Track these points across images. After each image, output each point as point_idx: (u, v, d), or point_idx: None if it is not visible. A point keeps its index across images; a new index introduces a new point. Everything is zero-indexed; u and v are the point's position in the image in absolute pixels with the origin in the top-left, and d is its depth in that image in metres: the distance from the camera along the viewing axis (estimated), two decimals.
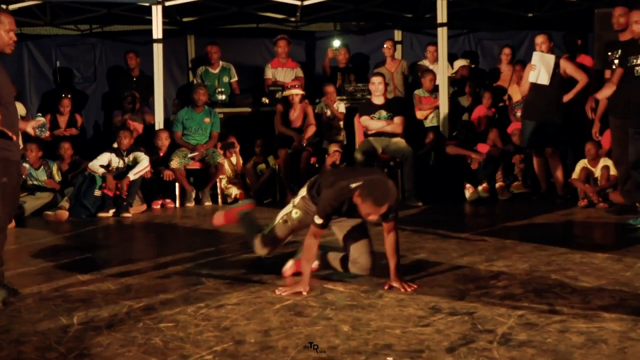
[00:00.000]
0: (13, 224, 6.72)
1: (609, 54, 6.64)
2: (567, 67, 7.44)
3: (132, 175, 7.34)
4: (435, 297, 4.09)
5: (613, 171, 7.07)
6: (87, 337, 3.52)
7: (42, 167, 7.51)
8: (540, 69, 7.35)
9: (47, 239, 6.16)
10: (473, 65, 9.80)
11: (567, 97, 7.47)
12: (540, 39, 7.49)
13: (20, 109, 8.27)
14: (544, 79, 7.33)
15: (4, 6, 8.23)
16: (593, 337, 3.37)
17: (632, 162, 6.03)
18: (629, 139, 5.98)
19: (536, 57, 7.41)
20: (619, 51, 6.43)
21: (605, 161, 7.27)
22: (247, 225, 4.85)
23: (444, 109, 8.43)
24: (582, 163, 7.52)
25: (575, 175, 7.58)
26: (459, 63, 9.59)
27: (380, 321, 3.68)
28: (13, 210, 4.62)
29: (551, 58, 7.38)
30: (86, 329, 3.65)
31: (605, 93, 5.96)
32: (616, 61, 6.45)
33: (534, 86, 7.42)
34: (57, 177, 7.64)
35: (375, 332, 3.51)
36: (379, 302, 4.01)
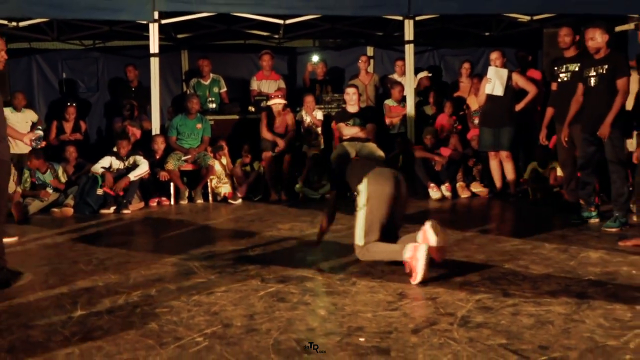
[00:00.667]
0: (16, 217, 6.69)
1: (555, 68, 6.69)
2: (518, 80, 7.51)
3: (132, 176, 7.34)
4: (403, 284, 4.11)
5: (560, 172, 7.15)
6: (90, 322, 3.50)
7: (49, 170, 7.44)
8: (495, 81, 7.41)
9: (54, 233, 6.10)
10: (431, 74, 9.83)
11: (518, 107, 7.53)
12: (495, 55, 7.54)
13: (32, 116, 8.24)
14: (498, 90, 7.39)
15: (12, 23, 8.16)
16: (541, 319, 3.41)
17: (580, 164, 6.08)
18: (579, 143, 6.02)
19: (491, 71, 7.46)
20: (564, 66, 6.49)
21: (552, 163, 7.35)
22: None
23: (410, 117, 8.46)
24: (533, 165, 7.59)
25: (526, 175, 7.65)
26: (420, 75, 9.64)
27: (353, 306, 3.69)
28: (5, 207, 4.58)
29: (505, 72, 7.44)
30: (89, 315, 3.63)
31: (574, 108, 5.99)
32: (562, 75, 6.50)
33: (490, 97, 7.47)
34: (63, 179, 7.57)
35: (349, 315, 3.53)
36: (353, 289, 4.02)
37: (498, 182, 7.71)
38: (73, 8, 7.72)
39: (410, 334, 3.23)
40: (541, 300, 3.72)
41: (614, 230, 5.62)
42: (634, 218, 6.01)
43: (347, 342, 3.13)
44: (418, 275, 4.06)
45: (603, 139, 5.66)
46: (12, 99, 8.01)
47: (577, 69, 6.29)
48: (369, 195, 4.35)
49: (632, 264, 4.50)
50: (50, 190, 7.36)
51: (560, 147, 6.64)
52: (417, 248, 4.07)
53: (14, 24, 8.25)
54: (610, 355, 2.93)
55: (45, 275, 4.54)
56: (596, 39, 5.73)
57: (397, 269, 4.47)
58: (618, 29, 8.88)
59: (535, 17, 8.90)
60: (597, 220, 5.97)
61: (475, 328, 3.29)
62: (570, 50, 6.48)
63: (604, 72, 5.64)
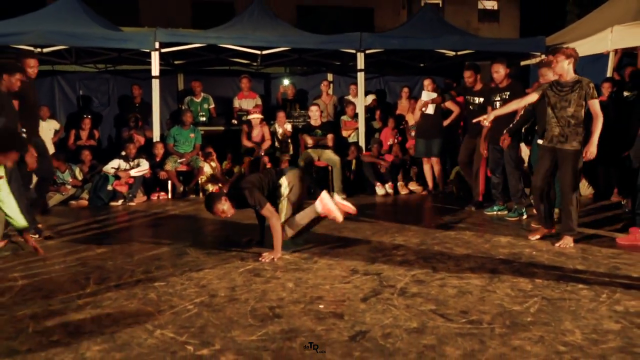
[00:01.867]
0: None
1: (467, 97, 6.67)
2: (446, 102, 7.58)
3: (133, 172, 7.23)
4: (354, 262, 4.12)
5: None
6: (100, 293, 3.43)
7: (67, 170, 7.26)
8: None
9: (71, 222, 5.95)
10: (375, 97, 9.89)
11: (446, 122, 7.61)
12: (427, 82, 7.61)
13: (55, 125, 8.15)
14: (430, 110, 7.45)
15: (38, 49, 7.96)
16: (462, 289, 3.45)
17: (490, 168, 6.18)
18: (487, 152, 6.13)
19: (424, 94, 7.53)
20: (472, 98, 6.43)
21: None
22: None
23: (361, 129, 8.49)
24: (456, 168, 7.68)
25: (451, 177, 7.74)
26: (370, 97, 9.69)
27: (315, 280, 3.69)
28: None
29: (434, 95, 7.50)
30: (99, 288, 3.55)
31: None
32: (471, 103, 6.51)
33: (423, 115, 7.54)
34: (79, 177, 7.39)
35: (312, 287, 3.52)
36: (314, 266, 4.02)
37: (430, 182, 7.79)
38: (89, 38, 7.56)
39: (360, 302, 3.24)
40: (462, 275, 3.77)
41: (514, 219, 5.74)
42: (534, 210, 6.13)
43: (309, 308, 3.13)
44: (336, 214, 4.31)
45: (504, 148, 5.78)
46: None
47: (481, 101, 6.36)
48: (289, 187, 4.40)
49: (532, 247, 4.60)
50: (68, 187, 7.20)
51: (476, 156, 6.71)
52: (321, 199, 4.31)
53: (39, 50, 8.04)
54: (515, 317, 2.98)
55: (64, 255, 4.42)
56: (499, 71, 5.89)
57: (350, 250, 4.49)
58: (523, 63, 9.07)
59: (459, 53, 9.02)
60: (505, 212, 6.08)
61: (411, 297, 3.32)
62: (477, 85, 6.54)
63: (506, 97, 5.78)
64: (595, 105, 4.51)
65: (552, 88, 4.66)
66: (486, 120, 4.97)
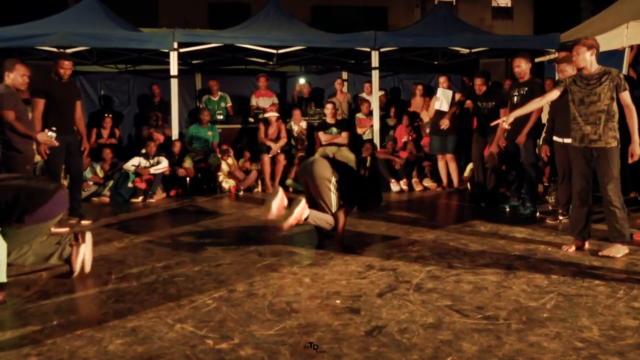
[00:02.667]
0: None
1: (477, 103, 6.56)
2: (460, 99, 7.49)
3: (153, 170, 7.27)
4: (370, 257, 4.10)
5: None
6: (122, 288, 3.45)
7: (89, 168, 7.34)
8: (442, 100, 7.41)
9: (93, 218, 5.99)
10: (389, 96, 9.83)
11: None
12: (442, 79, 7.54)
13: None
14: (445, 107, 7.38)
15: (60, 50, 8.04)
16: (478, 285, 3.42)
17: (506, 165, 6.10)
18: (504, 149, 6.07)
19: (439, 92, 7.46)
20: (483, 103, 6.35)
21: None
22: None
23: (376, 127, 8.44)
24: (471, 165, 7.60)
25: (466, 173, 7.66)
26: (379, 93, 9.66)
27: (331, 275, 3.67)
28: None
29: (450, 92, 7.44)
30: (121, 282, 3.57)
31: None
32: (482, 108, 6.40)
33: (438, 112, 7.47)
34: (100, 174, 7.46)
35: (328, 282, 3.51)
36: (331, 262, 4.00)
37: (444, 179, 7.73)
38: (110, 39, 7.62)
39: (376, 297, 3.22)
40: (478, 270, 3.73)
41: (527, 216, 5.66)
42: (550, 207, 6.05)
43: (326, 303, 3.11)
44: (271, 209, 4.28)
45: (520, 146, 5.68)
46: None
47: (493, 105, 6.26)
48: None
49: (548, 243, 4.53)
50: (90, 183, 7.27)
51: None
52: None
53: (62, 51, 8.12)
54: (532, 313, 2.94)
55: None
56: (521, 66, 5.73)
57: (365, 246, 4.46)
58: (537, 60, 8.94)
59: (472, 50, 8.92)
60: (520, 209, 6.00)
61: (426, 292, 3.29)
62: (486, 94, 6.45)
63: (524, 92, 5.64)
64: (626, 97, 4.09)
65: (576, 82, 4.20)
66: (505, 122, 4.52)
